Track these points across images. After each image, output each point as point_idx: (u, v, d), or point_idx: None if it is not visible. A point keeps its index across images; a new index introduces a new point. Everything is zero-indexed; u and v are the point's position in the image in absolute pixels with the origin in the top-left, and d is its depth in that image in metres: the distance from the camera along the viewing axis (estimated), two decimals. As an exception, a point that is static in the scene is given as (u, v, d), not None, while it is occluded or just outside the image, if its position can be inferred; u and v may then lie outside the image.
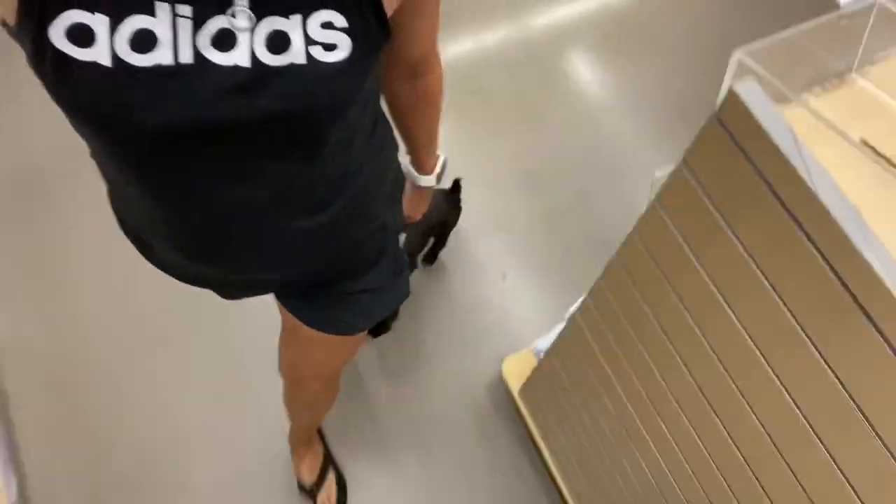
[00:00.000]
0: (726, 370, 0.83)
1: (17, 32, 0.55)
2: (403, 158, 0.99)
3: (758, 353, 0.76)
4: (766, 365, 0.75)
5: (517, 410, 1.72)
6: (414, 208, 1.09)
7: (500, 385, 1.78)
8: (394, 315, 1.79)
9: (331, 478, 1.59)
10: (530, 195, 2.09)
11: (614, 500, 1.31)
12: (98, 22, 0.52)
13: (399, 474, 1.68)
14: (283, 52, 0.57)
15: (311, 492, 1.56)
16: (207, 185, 0.66)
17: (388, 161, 0.87)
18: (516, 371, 1.71)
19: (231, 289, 0.91)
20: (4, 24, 0.56)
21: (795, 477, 0.78)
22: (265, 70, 0.57)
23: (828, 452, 0.71)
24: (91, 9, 0.52)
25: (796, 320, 0.68)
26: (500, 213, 2.04)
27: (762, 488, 0.85)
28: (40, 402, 1.68)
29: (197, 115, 0.57)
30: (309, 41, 0.57)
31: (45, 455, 1.62)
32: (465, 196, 1.74)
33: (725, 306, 0.78)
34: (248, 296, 0.93)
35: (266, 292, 0.94)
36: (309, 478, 1.56)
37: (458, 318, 1.87)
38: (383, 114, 0.85)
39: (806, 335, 0.67)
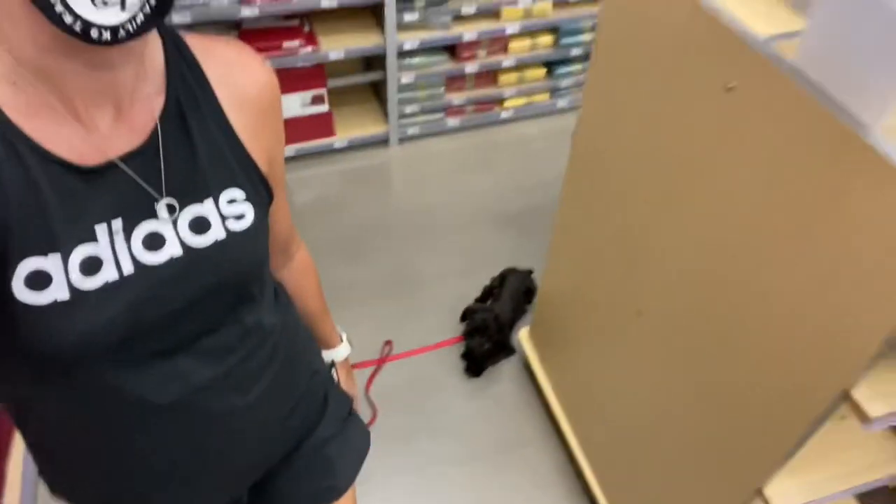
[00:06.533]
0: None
1: None
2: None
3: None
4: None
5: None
6: (350, 386, 1.11)
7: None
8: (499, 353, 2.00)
9: None
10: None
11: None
12: (51, 262, 0.57)
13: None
14: (206, 231, 0.66)
15: None
16: (163, 381, 0.68)
17: (296, 314, 0.93)
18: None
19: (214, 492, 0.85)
20: None
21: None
22: (196, 252, 0.65)
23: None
24: (44, 252, 0.57)
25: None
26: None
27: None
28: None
29: (151, 314, 0.63)
30: (223, 217, 0.67)
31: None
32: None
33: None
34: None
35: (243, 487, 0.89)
36: None
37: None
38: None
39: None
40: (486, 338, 1.97)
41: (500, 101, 2.82)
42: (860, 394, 0.83)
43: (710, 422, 1.13)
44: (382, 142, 2.76)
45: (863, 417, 0.83)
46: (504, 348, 2.05)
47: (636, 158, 1.21)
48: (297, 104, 2.51)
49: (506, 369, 2.06)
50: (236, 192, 0.68)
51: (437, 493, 1.77)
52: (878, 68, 0.71)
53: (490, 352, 2.02)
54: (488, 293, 2.18)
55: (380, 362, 2.04)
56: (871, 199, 0.73)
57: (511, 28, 2.56)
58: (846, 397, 0.84)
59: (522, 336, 1.99)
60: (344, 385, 1.08)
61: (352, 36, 2.44)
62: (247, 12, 2.17)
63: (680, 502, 1.28)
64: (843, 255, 0.79)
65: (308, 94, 2.50)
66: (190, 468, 0.76)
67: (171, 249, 0.64)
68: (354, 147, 2.73)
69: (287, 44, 2.32)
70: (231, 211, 0.67)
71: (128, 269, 0.61)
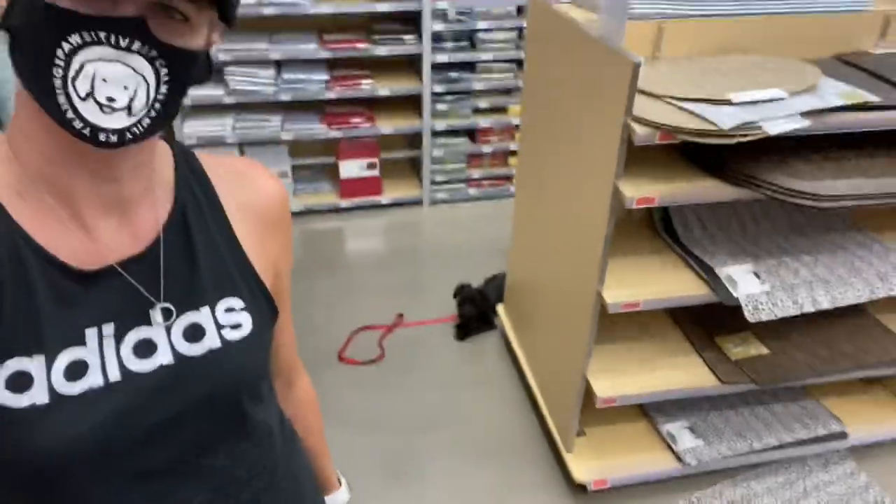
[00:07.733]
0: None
1: None
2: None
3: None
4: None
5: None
6: None
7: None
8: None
9: None
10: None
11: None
12: (35, 364, 0.56)
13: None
14: (200, 339, 0.64)
15: None
16: (147, 500, 0.64)
17: (304, 454, 0.88)
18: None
19: None
20: None
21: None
22: (188, 360, 0.63)
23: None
24: (29, 353, 0.56)
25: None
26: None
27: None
28: None
29: (136, 425, 0.60)
30: (219, 326, 0.65)
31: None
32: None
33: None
34: None
35: None
36: None
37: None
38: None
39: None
40: (473, 306, 2.62)
41: (509, 178, 3.68)
42: (624, 188, 1.50)
43: (571, 254, 1.77)
44: (417, 203, 3.62)
45: (624, 200, 1.49)
46: (486, 321, 2.67)
47: (537, 123, 1.98)
48: (356, 168, 3.45)
49: (487, 338, 2.66)
50: (234, 301, 0.67)
51: (421, 404, 2.33)
52: (611, 24, 1.52)
53: (476, 321, 2.64)
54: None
55: (392, 327, 2.69)
56: (610, 77, 1.48)
57: (516, 120, 3.49)
58: (616, 191, 1.50)
59: (500, 308, 2.62)
60: None
61: (399, 119, 3.42)
62: (329, 95, 3.20)
63: (568, 325, 1.85)
64: (600, 107, 1.52)
65: (365, 161, 3.44)
66: None
67: (162, 357, 0.62)
68: (396, 205, 3.60)
69: (354, 119, 3.32)
70: (228, 320, 0.66)
71: (114, 375, 0.59)
